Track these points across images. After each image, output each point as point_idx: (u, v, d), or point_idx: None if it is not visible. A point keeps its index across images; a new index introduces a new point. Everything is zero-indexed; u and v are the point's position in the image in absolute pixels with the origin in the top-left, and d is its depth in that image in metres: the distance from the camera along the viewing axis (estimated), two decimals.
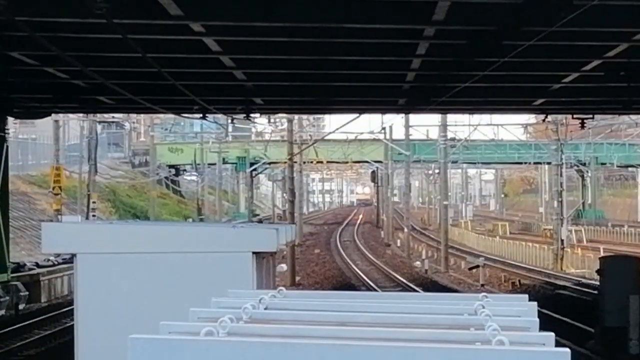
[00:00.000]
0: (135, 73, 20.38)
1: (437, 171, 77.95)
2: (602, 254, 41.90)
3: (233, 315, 4.44)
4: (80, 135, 53.58)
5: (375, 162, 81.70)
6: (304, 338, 4.14)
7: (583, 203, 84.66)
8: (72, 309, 10.96)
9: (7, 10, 12.75)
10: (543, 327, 4.41)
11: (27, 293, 28.54)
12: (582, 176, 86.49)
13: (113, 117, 60.22)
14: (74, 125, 60.12)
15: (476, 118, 65.29)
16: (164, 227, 11.77)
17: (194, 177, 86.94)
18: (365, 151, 76.85)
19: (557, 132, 51.56)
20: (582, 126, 28.36)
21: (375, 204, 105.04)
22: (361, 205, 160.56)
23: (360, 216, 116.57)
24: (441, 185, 56.13)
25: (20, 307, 27.97)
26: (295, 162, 55.66)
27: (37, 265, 33.60)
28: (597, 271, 23.22)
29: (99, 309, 10.47)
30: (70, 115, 50.89)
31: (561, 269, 47.27)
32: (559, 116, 47.00)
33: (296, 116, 59.10)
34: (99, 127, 52.12)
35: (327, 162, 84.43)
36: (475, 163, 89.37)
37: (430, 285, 38.94)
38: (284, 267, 41.06)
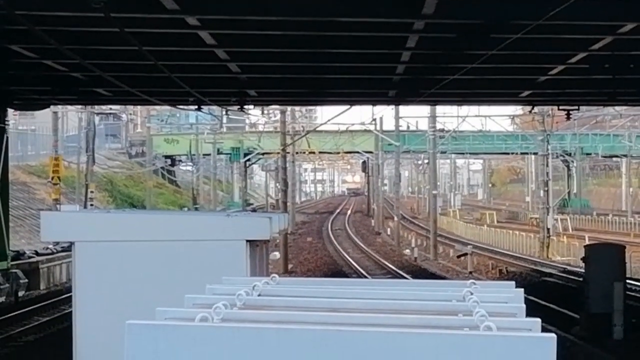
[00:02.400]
0: (132, 66, 20.50)
1: (426, 161, 78.20)
2: (587, 242, 42.15)
3: (227, 301, 4.43)
4: (79, 126, 53.66)
5: (366, 152, 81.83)
6: (297, 324, 4.15)
7: (569, 192, 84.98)
8: (71, 296, 10.89)
9: (6, 4, 13.04)
10: (529, 314, 4.44)
11: (26, 280, 28.66)
12: (568, 166, 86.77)
13: (110, 108, 60.30)
14: (72, 116, 60.18)
15: (464, 109, 65.60)
16: (160, 216, 11.82)
17: (189, 168, 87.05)
18: (356, 142, 77.02)
19: (543, 123, 51.80)
20: (568, 117, 28.64)
21: (366, 193, 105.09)
22: (351, 194, 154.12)
23: (351, 206, 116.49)
24: (430, 175, 56.38)
25: (20, 294, 28.00)
26: (288, 152, 55.92)
27: (37, 253, 33.56)
28: (582, 259, 23.43)
29: (97, 295, 10.48)
30: (69, 107, 50.94)
31: (547, 256, 47.58)
32: (545, 107, 47.33)
33: (289, 108, 59.37)
34: (96, 119, 52.23)
35: (319, 152, 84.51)
36: (463, 153, 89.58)
37: (420, 273, 39.14)
38: (276, 255, 41.36)
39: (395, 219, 60.55)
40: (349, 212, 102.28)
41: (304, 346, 3.99)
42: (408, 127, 73.09)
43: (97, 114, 50.78)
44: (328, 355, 3.97)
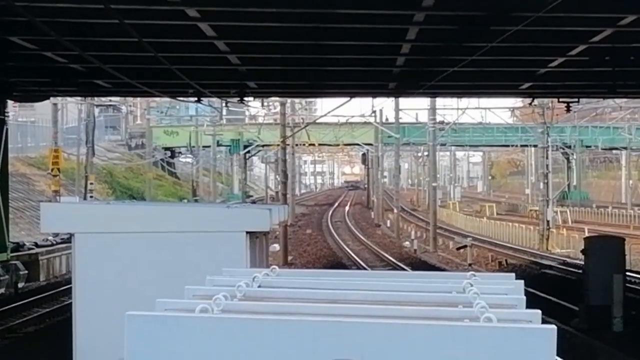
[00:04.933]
0: (132, 57, 20.53)
1: (426, 154, 78.23)
2: (586, 234, 42.18)
3: (227, 292, 4.45)
4: (78, 118, 53.65)
5: (366, 144, 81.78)
6: (297, 315, 4.16)
7: (568, 185, 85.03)
8: (70, 287, 11.01)
9: None
10: (529, 306, 4.45)
11: (26, 272, 28.66)
12: (568, 158, 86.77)
13: (110, 100, 60.28)
14: (72, 108, 60.18)
15: (464, 102, 65.52)
16: (160, 208, 11.86)
17: (189, 159, 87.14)
18: (356, 134, 76.98)
19: (543, 115, 51.80)
20: (568, 110, 28.68)
21: (366, 185, 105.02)
22: (349, 188, 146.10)
23: (351, 199, 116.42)
24: (430, 167, 56.41)
25: (20, 285, 27.99)
26: (288, 144, 55.93)
27: (36, 244, 33.58)
28: (582, 251, 23.43)
29: (97, 287, 10.56)
30: (69, 99, 50.96)
31: (547, 248, 47.62)
32: (545, 100, 47.31)
33: (289, 100, 59.40)
34: (96, 110, 52.21)
35: (319, 144, 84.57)
36: (463, 146, 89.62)
37: (419, 265, 39.15)
38: (276, 247, 41.40)
39: (395, 211, 60.56)
40: (348, 204, 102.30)
41: (303, 337, 4.00)
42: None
43: (97, 105, 50.76)
44: (328, 346, 3.97)
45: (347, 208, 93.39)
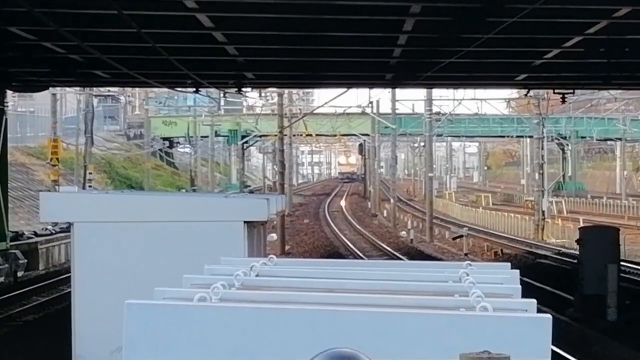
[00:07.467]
0: (130, 48, 20.56)
1: (422, 144, 78.25)
2: (581, 224, 42.33)
3: (225, 281, 4.52)
4: (77, 108, 53.66)
5: (363, 135, 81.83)
6: (294, 304, 4.22)
7: (563, 175, 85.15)
8: (69, 276, 11.17)
9: None
10: (524, 295, 4.47)
11: (25, 261, 28.70)
12: (563, 149, 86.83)
13: (109, 90, 60.27)
14: (71, 98, 60.21)
15: (460, 93, 65.68)
16: (158, 197, 12.08)
17: (187, 149, 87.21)
18: (353, 124, 76.99)
19: (538, 106, 51.84)
20: (563, 101, 28.74)
21: (363, 176, 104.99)
22: (345, 180, 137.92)
23: (348, 189, 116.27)
24: (426, 157, 56.49)
25: (19, 274, 28.02)
26: (285, 135, 55.91)
27: (35, 234, 33.67)
28: (577, 241, 23.56)
29: (95, 275, 10.72)
30: (68, 89, 50.96)
31: (542, 238, 47.73)
32: (541, 91, 47.34)
33: (286, 90, 59.33)
34: (95, 101, 52.18)
35: (316, 135, 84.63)
36: (459, 136, 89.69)
37: (416, 254, 39.17)
38: (274, 236, 41.46)
39: (392, 201, 60.62)
40: (345, 194, 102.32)
41: (301, 326, 4.07)
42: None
43: (96, 95, 50.76)
44: (325, 334, 4.03)
45: (344, 198, 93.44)
